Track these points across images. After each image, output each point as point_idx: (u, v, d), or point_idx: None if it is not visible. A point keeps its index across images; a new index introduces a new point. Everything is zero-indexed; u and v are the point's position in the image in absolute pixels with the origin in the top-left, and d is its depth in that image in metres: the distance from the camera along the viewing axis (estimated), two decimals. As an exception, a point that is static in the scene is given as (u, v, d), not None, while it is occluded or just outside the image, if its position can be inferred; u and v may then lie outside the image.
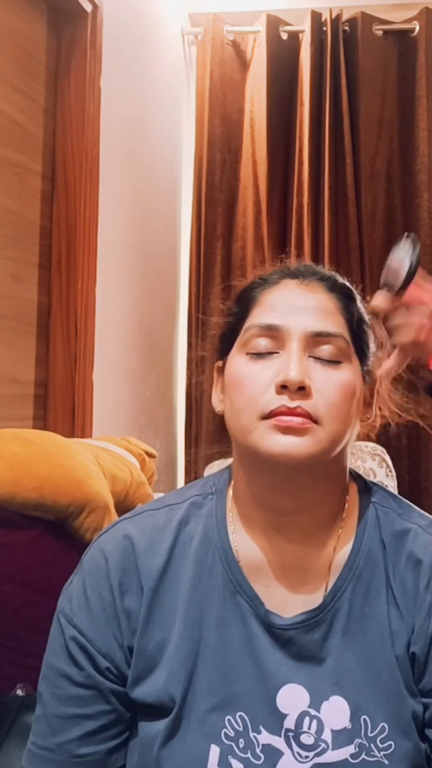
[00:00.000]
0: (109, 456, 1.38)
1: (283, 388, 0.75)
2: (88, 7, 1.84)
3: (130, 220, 2.22)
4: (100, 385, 1.91)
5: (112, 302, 2.04)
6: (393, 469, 2.18)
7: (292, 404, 0.74)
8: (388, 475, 2.13)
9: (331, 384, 0.76)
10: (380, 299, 0.84)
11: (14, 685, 1.03)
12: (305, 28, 2.71)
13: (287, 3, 2.83)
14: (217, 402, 0.85)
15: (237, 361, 0.80)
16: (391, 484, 2.08)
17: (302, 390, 0.75)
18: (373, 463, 2.06)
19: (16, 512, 1.13)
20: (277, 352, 0.78)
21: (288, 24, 2.77)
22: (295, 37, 2.76)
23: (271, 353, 0.78)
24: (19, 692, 1.03)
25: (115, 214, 2.05)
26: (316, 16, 2.70)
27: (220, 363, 0.86)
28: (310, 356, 0.78)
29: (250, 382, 0.77)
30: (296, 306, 0.79)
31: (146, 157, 2.38)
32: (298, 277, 0.83)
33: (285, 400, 0.75)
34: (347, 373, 0.78)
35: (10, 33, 1.63)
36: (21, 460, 1.15)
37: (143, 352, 2.35)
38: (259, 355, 0.78)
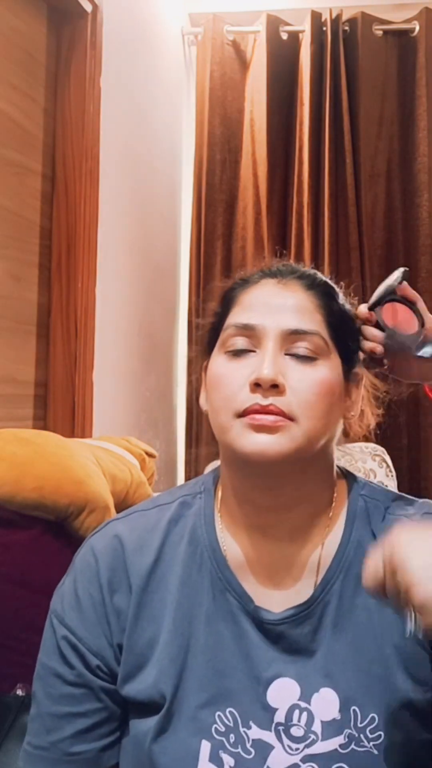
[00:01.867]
0: (109, 456, 1.38)
1: (256, 386, 0.75)
2: (88, 7, 1.84)
3: (130, 220, 2.22)
4: (100, 385, 1.91)
5: (112, 302, 2.04)
6: (393, 469, 2.18)
7: (265, 402, 0.75)
8: (388, 475, 2.13)
9: (305, 381, 0.77)
10: (360, 310, 0.87)
11: (14, 685, 1.03)
12: (305, 28, 2.71)
13: (287, 3, 2.83)
14: (203, 401, 0.86)
15: (216, 361, 0.81)
16: (391, 484, 2.08)
17: (275, 387, 0.75)
18: (373, 463, 2.06)
19: (16, 512, 1.13)
20: (254, 351, 0.78)
21: (288, 24, 2.77)
22: (295, 37, 2.76)
23: (248, 352, 0.79)
24: (19, 692, 1.03)
25: (115, 214, 2.05)
26: (316, 16, 2.70)
27: (205, 363, 0.86)
28: (286, 354, 0.78)
29: (226, 381, 0.78)
30: (273, 305, 0.80)
31: (146, 157, 2.38)
32: (277, 276, 0.83)
33: (258, 398, 0.75)
34: (324, 370, 0.78)
35: (10, 33, 1.63)
36: (21, 460, 1.15)
37: (143, 352, 2.35)
38: (236, 354, 0.79)
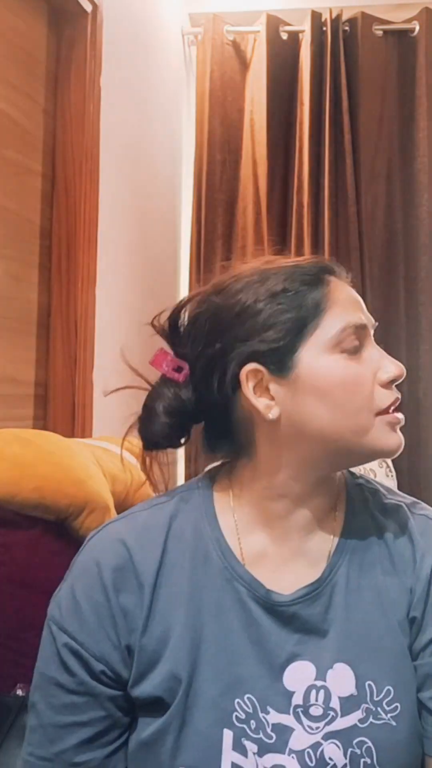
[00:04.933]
0: (109, 456, 1.38)
1: (391, 382, 0.80)
2: (88, 7, 1.84)
3: (130, 220, 2.22)
4: (100, 385, 1.91)
5: (112, 302, 2.04)
6: (393, 469, 2.17)
7: (398, 396, 0.81)
8: (388, 475, 2.13)
9: None
10: None
11: (14, 685, 1.03)
12: (305, 28, 2.71)
13: (287, 3, 2.83)
14: (265, 407, 0.79)
15: (335, 361, 0.78)
16: (391, 484, 2.08)
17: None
18: (373, 463, 2.06)
19: (16, 512, 1.13)
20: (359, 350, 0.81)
21: (288, 24, 2.77)
22: (295, 37, 2.76)
23: (358, 350, 0.81)
24: (19, 692, 1.02)
25: (115, 214, 2.05)
26: (316, 16, 2.70)
27: (256, 366, 0.79)
28: None
29: (363, 380, 0.79)
30: (359, 302, 0.84)
31: (146, 157, 2.38)
32: (335, 273, 0.84)
33: (396, 394, 0.80)
34: None
35: (10, 33, 1.63)
36: (21, 460, 1.15)
37: (143, 352, 2.35)
38: (354, 355, 0.80)
